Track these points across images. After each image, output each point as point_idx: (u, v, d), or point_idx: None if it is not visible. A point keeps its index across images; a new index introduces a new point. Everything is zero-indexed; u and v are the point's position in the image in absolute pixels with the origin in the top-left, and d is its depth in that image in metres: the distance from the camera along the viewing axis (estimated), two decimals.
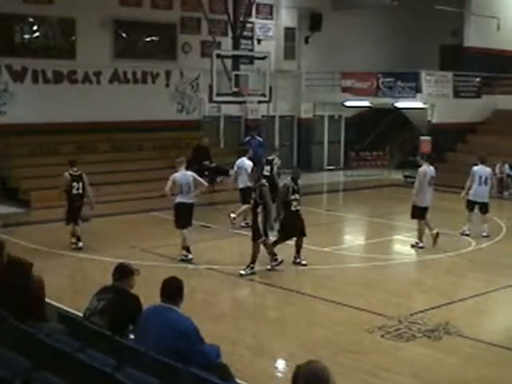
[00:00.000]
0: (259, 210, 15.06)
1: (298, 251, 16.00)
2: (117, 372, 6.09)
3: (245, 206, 18.81)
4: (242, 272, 14.88)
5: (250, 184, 17.66)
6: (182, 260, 16.11)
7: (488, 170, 19.48)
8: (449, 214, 21.37)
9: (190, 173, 16.85)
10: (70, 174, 17.30)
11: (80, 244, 17.14)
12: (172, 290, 7.62)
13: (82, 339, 7.00)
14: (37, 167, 22.91)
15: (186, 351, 7.18)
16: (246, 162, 19.52)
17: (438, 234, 17.77)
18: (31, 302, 7.80)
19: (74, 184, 17.22)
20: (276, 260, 15.47)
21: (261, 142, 28.15)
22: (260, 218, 15.02)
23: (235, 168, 19.98)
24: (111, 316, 7.98)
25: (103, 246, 17.66)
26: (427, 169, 17.99)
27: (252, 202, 15.36)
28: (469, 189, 19.16)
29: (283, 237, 15.88)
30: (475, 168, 19.44)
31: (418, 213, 17.93)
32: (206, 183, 17.42)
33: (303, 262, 15.86)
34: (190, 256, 16.21)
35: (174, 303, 7.52)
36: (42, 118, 24.51)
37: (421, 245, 17.75)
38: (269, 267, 15.33)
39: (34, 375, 5.87)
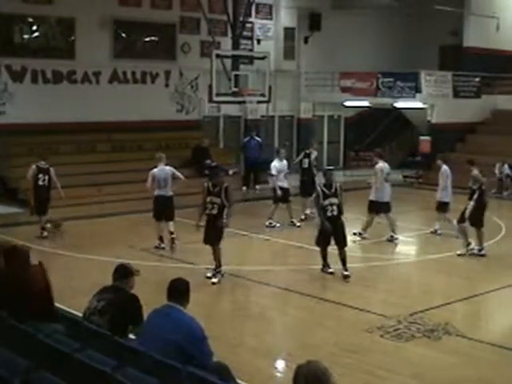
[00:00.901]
0: (225, 212, 14.57)
1: (342, 263, 14.99)
2: (116, 372, 6.09)
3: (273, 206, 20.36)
4: (214, 280, 14.56)
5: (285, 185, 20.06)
6: (156, 247, 17.36)
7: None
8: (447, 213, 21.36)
9: (168, 167, 17.64)
10: (37, 166, 18.63)
11: (45, 233, 18.64)
12: (178, 290, 7.68)
13: (81, 339, 7.00)
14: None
15: (192, 351, 7.21)
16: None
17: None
18: (36, 299, 7.75)
19: (40, 176, 18.58)
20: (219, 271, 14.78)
21: (259, 143, 28.21)
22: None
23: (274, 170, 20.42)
24: (111, 316, 7.98)
25: (103, 246, 17.67)
26: (383, 165, 18.57)
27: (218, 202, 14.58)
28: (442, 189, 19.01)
29: (321, 245, 15.25)
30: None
31: (376, 207, 18.75)
32: (183, 177, 18.08)
33: (345, 273, 14.88)
34: (163, 245, 17.42)
35: (180, 303, 7.58)
36: (41, 117, 24.48)
37: (365, 235, 18.80)
38: (208, 274, 14.74)
39: (34, 375, 5.87)
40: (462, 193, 19.06)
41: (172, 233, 17.51)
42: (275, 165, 20.26)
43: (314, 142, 23.27)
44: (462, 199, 18.70)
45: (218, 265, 14.70)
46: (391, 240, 18.30)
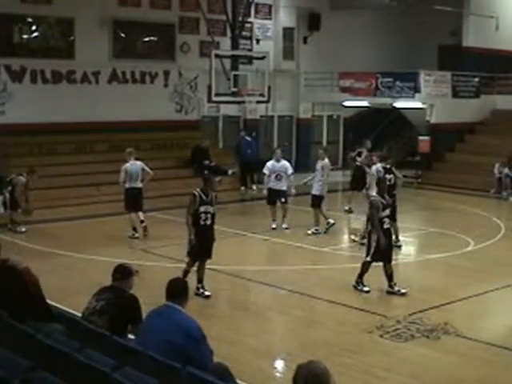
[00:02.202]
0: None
1: (390, 278, 13.94)
2: (116, 372, 6.09)
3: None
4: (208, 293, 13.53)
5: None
6: (130, 237, 18.38)
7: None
8: (446, 213, 21.38)
9: (139, 162, 18.77)
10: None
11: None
12: (178, 290, 7.69)
13: (80, 339, 7.00)
14: (35, 167, 22.84)
15: (191, 350, 7.21)
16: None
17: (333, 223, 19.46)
18: (24, 299, 7.76)
19: None
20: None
21: (249, 142, 28.19)
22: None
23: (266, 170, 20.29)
24: (110, 316, 7.99)
25: (102, 245, 17.67)
26: (327, 162, 19.55)
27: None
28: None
29: (374, 261, 13.94)
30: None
31: (318, 202, 19.29)
32: (152, 172, 19.03)
33: (396, 289, 13.85)
34: (137, 235, 18.46)
35: (179, 303, 7.58)
36: (40, 117, 24.49)
37: (319, 230, 19.28)
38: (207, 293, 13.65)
39: (33, 375, 5.87)
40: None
41: (143, 221, 18.59)
42: (268, 165, 20.06)
43: (367, 141, 23.60)
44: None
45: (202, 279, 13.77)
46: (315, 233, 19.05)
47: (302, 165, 29.90)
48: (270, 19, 31.65)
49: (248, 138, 28.30)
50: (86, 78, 26.38)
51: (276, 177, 19.85)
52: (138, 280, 8.63)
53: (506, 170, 26.84)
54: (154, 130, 26.90)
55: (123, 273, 8.45)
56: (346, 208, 22.43)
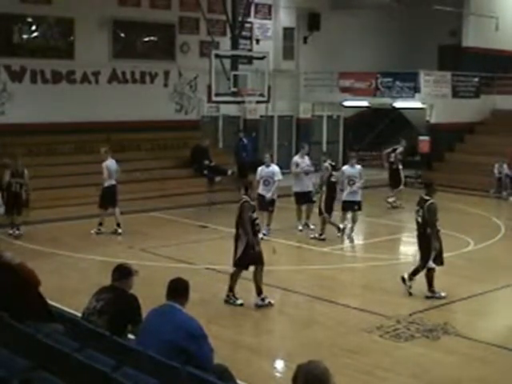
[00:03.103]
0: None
1: (428, 284, 13.77)
2: (116, 372, 6.09)
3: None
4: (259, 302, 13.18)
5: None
6: (97, 232, 19.05)
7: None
8: (446, 213, 21.38)
9: (114, 160, 19.60)
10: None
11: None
12: (178, 290, 7.69)
13: (80, 339, 7.00)
14: (35, 167, 22.80)
15: (192, 349, 7.21)
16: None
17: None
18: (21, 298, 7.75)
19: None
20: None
21: (245, 145, 28.11)
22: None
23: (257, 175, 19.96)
24: (110, 316, 7.99)
25: (102, 245, 17.67)
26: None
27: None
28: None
29: (438, 265, 13.72)
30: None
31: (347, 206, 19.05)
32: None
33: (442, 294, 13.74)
34: (120, 230, 19.05)
35: (179, 303, 7.58)
36: (40, 117, 24.46)
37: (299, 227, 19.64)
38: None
39: (33, 375, 5.87)
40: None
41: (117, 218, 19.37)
42: (258, 170, 19.38)
43: (403, 140, 24.86)
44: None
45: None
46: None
47: None
48: (270, 19, 31.63)
49: (245, 140, 28.21)
50: (85, 78, 26.35)
51: (264, 182, 19.08)
52: (138, 279, 8.62)
53: (506, 170, 26.85)
54: (153, 129, 26.87)
55: (123, 273, 8.45)
56: (390, 201, 23.42)
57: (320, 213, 18.59)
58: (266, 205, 18.94)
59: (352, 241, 18.72)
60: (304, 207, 19.93)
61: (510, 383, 10.07)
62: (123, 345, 7.21)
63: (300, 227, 19.67)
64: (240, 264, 13.15)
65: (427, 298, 13.59)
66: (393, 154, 24.02)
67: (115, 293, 8.23)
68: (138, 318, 8.06)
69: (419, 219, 13.64)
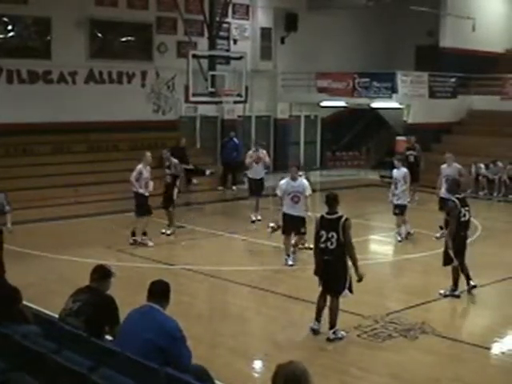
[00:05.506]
0: None
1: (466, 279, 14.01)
2: (93, 373, 6.07)
3: None
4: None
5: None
6: None
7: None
8: (421, 213, 21.48)
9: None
10: None
11: None
12: (159, 291, 7.71)
13: (57, 340, 6.96)
14: (11, 168, 22.73)
15: (171, 350, 7.23)
16: None
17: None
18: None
19: None
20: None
21: (236, 144, 28.12)
22: None
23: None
24: (87, 317, 7.96)
25: (79, 246, 17.59)
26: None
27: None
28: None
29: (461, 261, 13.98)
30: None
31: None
32: None
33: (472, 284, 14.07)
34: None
35: (159, 304, 7.60)
36: (16, 118, 24.31)
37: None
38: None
39: (10, 376, 5.83)
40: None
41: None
42: (282, 185, 16.38)
43: (417, 145, 25.57)
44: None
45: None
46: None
47: (280, 165, 29.95)
48: (248, 19, 31.65)
49: (236, 140, 28.23)
50: (62, 78, 26.23)
51: (292, 199, 16.15)
52: (115, 280, 8.60)
53: (483, 170, 26.98)
54: (131, 130, 26.79)
55: (101, 274, 8.44)
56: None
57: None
58: (297, 224, 16.23)
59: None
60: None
61: (487, 382, 10.12)
62: (101, 346, 7.18)
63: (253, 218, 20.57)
64: None
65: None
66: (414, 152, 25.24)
67: (92, 294, 8.21)
68: (116, 319, 8.04)
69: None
